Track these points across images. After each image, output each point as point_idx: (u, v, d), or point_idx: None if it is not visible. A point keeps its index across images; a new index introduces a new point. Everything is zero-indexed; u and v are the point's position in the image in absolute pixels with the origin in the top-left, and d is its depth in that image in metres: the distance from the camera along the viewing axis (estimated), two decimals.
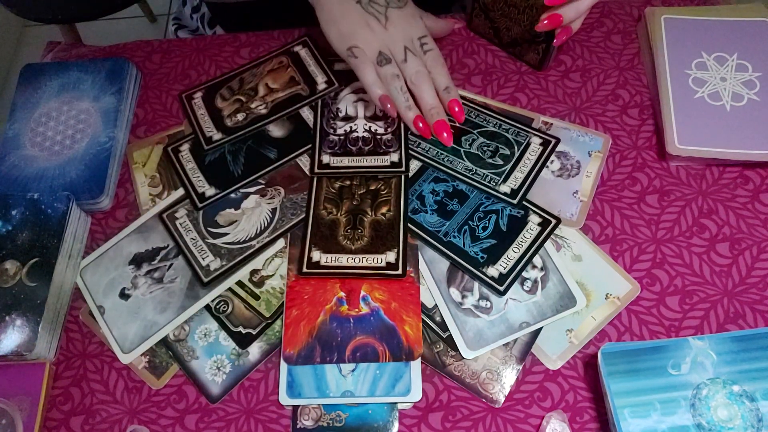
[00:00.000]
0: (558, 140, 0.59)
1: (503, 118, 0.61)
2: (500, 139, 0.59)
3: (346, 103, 0.62)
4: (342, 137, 0.60)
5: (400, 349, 0.51)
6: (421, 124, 0.56)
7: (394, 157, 0.58)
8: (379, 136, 0.60)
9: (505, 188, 0.56)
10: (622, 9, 0.68)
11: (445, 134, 0.56)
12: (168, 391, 0.53)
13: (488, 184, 0.57)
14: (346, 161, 0.58)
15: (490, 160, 0.58)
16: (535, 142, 0.59)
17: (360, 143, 0.59)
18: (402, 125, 0.60)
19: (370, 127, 0.60)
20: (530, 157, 0.58)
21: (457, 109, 0.57)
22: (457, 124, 0.60)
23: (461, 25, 0.67)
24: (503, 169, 0.58)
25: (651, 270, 0.54)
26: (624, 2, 0.68)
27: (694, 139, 0.57)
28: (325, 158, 0.59)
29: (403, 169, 0.58)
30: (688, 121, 0.58)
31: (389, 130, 0.60)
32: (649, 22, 0.64)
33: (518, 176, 0.57)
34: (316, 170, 0.58)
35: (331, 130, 0.61)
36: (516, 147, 0.59)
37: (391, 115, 0.57)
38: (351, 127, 0.61)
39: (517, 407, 0.50)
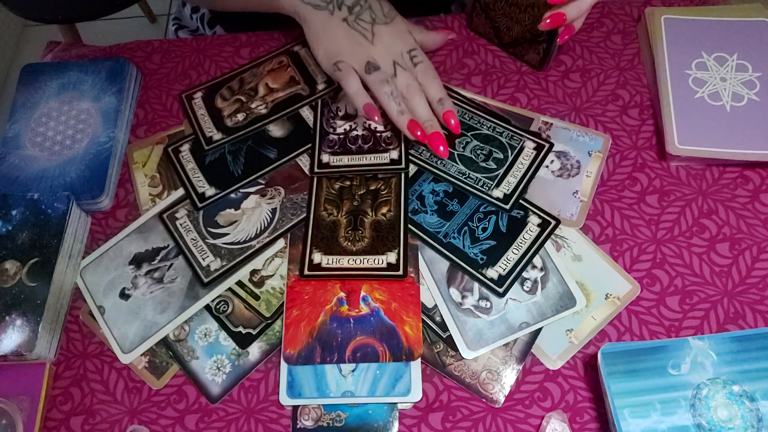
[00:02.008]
0: (552, 145, 0.59)
1: (497, 122, 0.60)
2: (494, 143, 0.59)
3: (346, 102, 0.62)
4: (342, 136, 0.60)
5: (400, 349, 0.51)
6: (419, 132, 0.55)
7: (394, 155, 0.58)
8: (378, 134, 0.60)
9: (497, 193, 0.56)
10: (622, 9, 0.68)
11: (441, 147, 0.55)
12: (168, 391, 0.53)
13: (481, 188, 0.57)
14: (345, 160, 0.58)
15: (483, 164, 0.58)
16: (529, 146, 0.59)
17: (359, 141, 0.59)
18: None
19: (369, 125, 0.60)
20: (523, 161, 0.58)
21: (453, 121, 0.56)
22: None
23: (454, 36, 0.66)
24: (496, 173, 0.57)
25: (651, 270, 0.54)
26: (624, 2, 0.68)
27: (694, 139, 0.57)
28: (325, 157, 0.59)
29: (403, 166, 0.58)
30: (688, 121, 0.58)
31: (389, 127, 0.60)
32: (649, 22, 0.64)
33: (511, 181, 0.57)
34: (316, 170, 0.58)
35: (331, 129, 0.61)
36: (510, 151, 0.58)
37: (378, 123, 0.56)
38: (351, 126, 0.61)
39: (517, 407, 0.50)
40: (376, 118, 0.56)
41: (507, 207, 0.56)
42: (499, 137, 0.59)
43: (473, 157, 0.58)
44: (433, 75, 0.57)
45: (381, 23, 0.57)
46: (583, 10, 0.55)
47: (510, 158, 0.58)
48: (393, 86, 0.55)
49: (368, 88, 0.57)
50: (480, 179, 0.57)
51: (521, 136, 0.59)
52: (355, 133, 0.60)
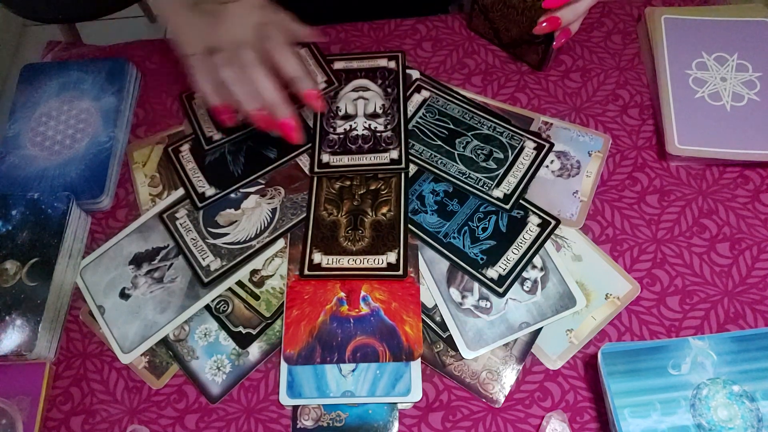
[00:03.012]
0: (552, 144, 0.59)
1: (498, 121, 0.60)
2: (494, 143, 0.59)
3: (346, 102, 0.62)
4: (342, 136, 0.60)
5: (400, 349, 0.51)
6: (262, 125, 0.51)
7: (394, 155, 0.58)
8: (378, 134, 0.60)
9: (498, 193, 0.56)
10: (622, 9, 0.68)
11: (292, 135, 0.51)
12: (168, 391, 0.53)
13: (481, 188, 0.57)
14: (345, 160, 0.58)
15: (483, 164, 0.58)
16: (529, 146, 0.59)
17: (360, 141, 0.59)
18: (402, 121, 0.60)
19: (369, 125, 0.60)
20: (524, 161, 0.58)
21: (315, 100, 0.51)
22: (452, 125, 0.60)
23: (326, 40, 0.61)
24: (497, 173, 0.57)
25: (651, 270, 0.54)
26: (624, 2, 0.68)
27: (694, 139, 0.57)
28: (325, 157, 0.59)
29: (403, 166, 0.57)
30: (688, 121, 0.58)
31: (389, 127, 0.60)
32: (649, 22, 0.64)
33: (511, 181, 0.57)
34: (316, 170, 0.58)
35: (331, 129, 0.61)
36: (510, 151, 0.59)
37: (232, 123, 0.52)
38: (351, 126, 0.61)
39: (517, 407, 0.50)
40: (230, 118, 0.52)
41: (507, 207, 0.56)
42: (500, 137, 0.59)
43: (473, 157, 0.58)
44: (287, 50, 0.50)
45: (230, 1, 0.51)
46: (579, 13, 0.55)
47: (510, 158, 0.58)
48: (234, 69, 0.49)
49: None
50: (480, 179, 0.57)
51: (521, 135, 0.59)
52: (355, 132, 0.60)
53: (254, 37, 0.50)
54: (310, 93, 0.51)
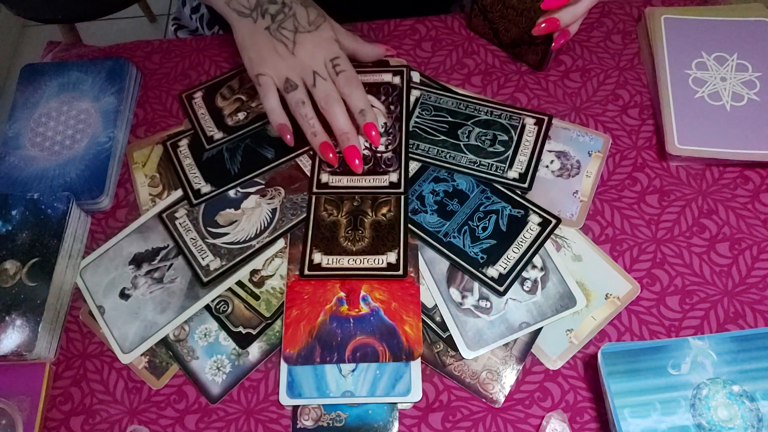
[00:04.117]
0: (551, 116, 0.60)
1: (493, 105, 0.61)
2: (495, 126, 0.59)
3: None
4: (342, 155, 0.59)
5: (400, 349, 0.51)
6: (331, 155, 0.56)
7: (393, 177, 0.58)
8: (379, 155, 0.59)
9: (513, 174, 0.57)
10: (622, 9, 0.68)
11: (356, 161, 0.56)
12: (168, 391, 0.53)
13: (495, 173, 0.57)
14: (344, 181, 0.58)
15: (491, 149, 0.58)
16: (529, 122, 0.59)
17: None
18: (403, 143, 0.59)
19: (370, 145, 0.60)
20: (528, 138, 0.58)
21: (374, 133, 0.56)
22: (450, 118, 0.60)
23: (393, 53, 0.65)
24: (506, 155, 0.58)
25: (651, 270, 0.54)
26: (624, 2, 0.68)
27: (694, 139, 0.57)
28: (324, 177, 0.58)
29: (402, 190, 0.57)
30: (688, 121, 0.58)
31: (390, 147, 0.59)
32: (649, 22, 0.64)
33: (522, 160, 0.57)
34: (314, 190, 0.58)
35: None
36: (512, 131, 0.59)
37: (289, 143, 0.57)
38: None
39: (517, 407, 0.50)
40: (288, 137, 0.56)
41: (525, 185, 0.56)
42: (499, 120, 0.60)
43: (479, 144, 0.59)
44: (356, 84, 0.56)
45: (303, 32, 0.56)
46: (578, 15, 0.55)
47: (515, 138, 0.59)
48: (309, 107, 0.56)
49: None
50: (492, 164, 0.57)
51: (519, 114, 0.60)
52: None
53: (328, 70, 0.56)
54: (370, 126, 0.56)
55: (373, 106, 0.60)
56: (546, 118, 0.59)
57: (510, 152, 0.58)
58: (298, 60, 0.56)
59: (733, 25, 0.63)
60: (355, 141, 0.56)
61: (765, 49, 0.61)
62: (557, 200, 0.57)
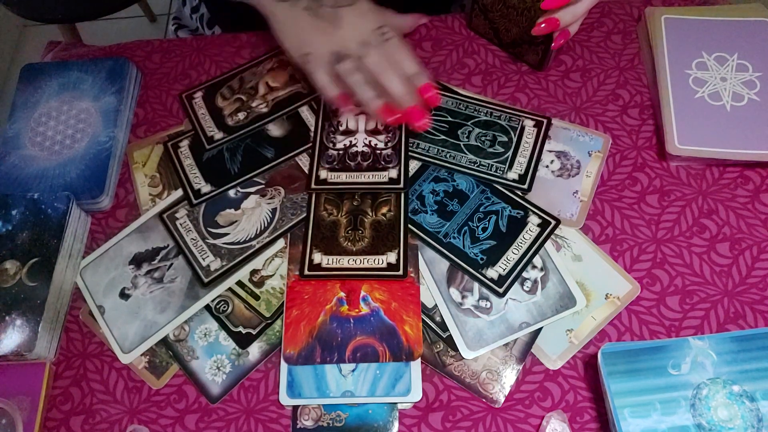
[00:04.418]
0: (549, 119, 0.60)
1: (493, 106, 0.61)
2: (495, 127, 0.60)
3: (348, 116, 0.62)
4: (341, 152, 0.59)
5: (400, 349, 0.51)
6: (391, 117, 0.55)
7: (393, 173, 0.58)
8: (378, 151, 0.59)
9: (512, 175, 0.57)
10: (622, 9, 0.68)
11: (423, 120, 0.55)
12: (168, 391, 0.53)
13: (495, 173, 0.57)
14: (344, 177, 0.58)
15: (491, 150, 0.58)
16: (529, 124, 0.59)
17: (359, 158, 0.59)
18: (402, 139, 0.60)
19: (370, 142, 0.60)
20: (528, 140, 0.58)
21: (430, 93, 0.55)
22: (450, 118, 0.60)
23: (426, 20, 0.66)
24: (506, 156, 0.58)
25: (651, 270, 0.54)
26: (624, 2, 0.68)
27: (694, 139, 0.57)
28: (323, 173, 0.58)
29: (402, 186, 0.57)
30: (688, 121, 0.58)
31: (389, 144, 0.59)
32: (649, 22, 0.64)
33: (521, 161, 0.57)
34: (313, 186, 0.58)
35: (331, 144, 0.60)
36: (512, 132, 0.59)
37: (351, 112, 0.56)
38: (351, 141, 0.60)
39: (517, 407, 0.50)
40: (348, 105, 0.56)
41: (525, 186, 0.56)
42: (498, 121, 0.60)
43: (479, 144, 0.59)
44: (405, 49, 0.56)
45: (345, 5, 0.56)
46: (578, 15, 0.55)
47: (515, 139, 0.59)
48: (363, 73, 0.55)
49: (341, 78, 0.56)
50: (492, 165, 0.57)
51: (518, 116, 0.60)
52: (355, 149, 0.60)
53: (376, 40, 0.55)
54: (427, 87, 0.55)
55: None
56: (545, 120, 0.59)
57: (510, 153, 0.58)
58: (344, 33, 0.55)
59: (733, 25, 0.63)
60: (415, 101, 0.55)
61: (765, 49, 0.61)
62: (557, 200, 0.57)
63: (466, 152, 0.58)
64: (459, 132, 0.59)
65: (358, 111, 0.56)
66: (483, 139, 0.59)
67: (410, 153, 0.59)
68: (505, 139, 0.59)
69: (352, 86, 0.55)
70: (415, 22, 0.64)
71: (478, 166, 0.58)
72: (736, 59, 0.61)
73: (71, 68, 0.66)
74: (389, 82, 0.54)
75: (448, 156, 0.58)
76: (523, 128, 0.59)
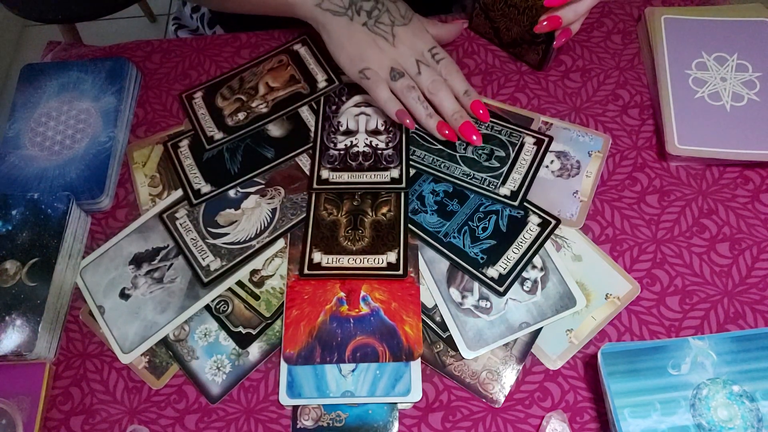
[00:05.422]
0: (551, 138, 0.59)
1: (495, 120, 0.60)
2: (494, 141, 0.59)
3: (348, 117, 0.62)
4: (342, 152, 0.59)
5: (400, 349, 0.51)
6: (447, 131, 0.57)
7: (395, 173, 0.58)
8: (379, 151, 0.59)
9: (504, 191, 0.56)
10: (622, 9, 0.68)
11: (474, 137, 0.57)
12: (168, 391, 0.53)
13: (487, 187, 0.57)
14: (345, 177, 0.58)
15: (486, 163, 0.58)
16: (529, 141, 0.59)
17: (360, 158, 0.59)
18: (404, 139, 0.60)
19: (371, 142, 0.60)
20: (525, 157, 0.58)
21: (481, 111, 0.58)
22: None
23: (466, 24, 0.67)
24: (500, 171, 0.58)
25: (651, 270, 0.54)
26: (624, 2, 0.68)
27: (694, 139, 0.57)
28: (324, 173, 0.58)
29: (404, 185, 0.57)
30: (688, 121, 0.58)
31: (390, 144, 0.60)
32: (649, 22, 0.64)
33: (516, 177, 0.57)
34: (315, 186, 0.58)
35: (332, 144, 0.60)
36: (510, 148, 0.59)
37: (410, 127, 0.57)
38: (351, 142, 0.60)
39: (517, 407, 0.50)
40: (408, 121, 0.57)
41: (516, 203, 0.56)
42: (499, 135, 0.59)
43: (475, 157, 0.58)
44: (456, 69, 0.59)
45: (400, 24, 0.59)
46: (580, 13, 0.55)
47: (512, 155, 0.58)
48: (419, 91, 0.57)
49: (395, 93, 0.58)
50: (485, 179, 0.57)
51: (520, 132, 0.59)
52: (356, 149, 0.60)
53: (429, 59, 0.59)
54: (477, 104, 0.58)
55: (370, 104, 0.62)
56: (546, 140, 0.59)
57: (505, 169, 0.58)
58: (399, 51, 0.58)
59: (733, 25, 0.63)
60: (468, 117, 0.58)
61: (765, 49, 0.61)
62: (557, 200, 0.57)
63: (461, 164, 0.58)
64: (457, 143, 0.59)
65: (414, 125, 0.58)
66: (480, 152, 0.59)
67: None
68: (503, 154, 0.58)
69: (408, 102, 0.57)
70: (458, 30, 0.65)
71: (471, 179, 0.57)
72: (735, 59, 0.61)
73: (71, 68, 0.66)
74: (442, 99, 0.57)
75: (442, 166, 0.58)
76: (522, 145, 0.59)
